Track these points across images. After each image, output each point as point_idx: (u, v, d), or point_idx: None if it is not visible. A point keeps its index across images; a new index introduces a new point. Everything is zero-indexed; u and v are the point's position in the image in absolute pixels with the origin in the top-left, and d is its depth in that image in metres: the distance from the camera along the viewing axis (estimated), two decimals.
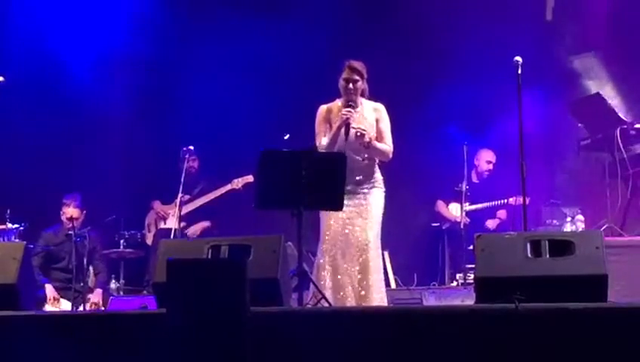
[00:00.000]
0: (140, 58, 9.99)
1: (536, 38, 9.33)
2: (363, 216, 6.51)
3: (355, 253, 6.44)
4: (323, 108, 6.72)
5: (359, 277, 6.40)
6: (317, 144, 6.63)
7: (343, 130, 6.48)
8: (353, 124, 6.49)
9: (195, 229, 9.30)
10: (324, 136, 6.59)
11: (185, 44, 10.19)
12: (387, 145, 6.64)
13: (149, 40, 10.04)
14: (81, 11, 9.87)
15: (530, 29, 9.43)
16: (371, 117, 6.64)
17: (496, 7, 9.51)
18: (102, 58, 9.82)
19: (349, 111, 6.47)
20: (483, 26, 9.42)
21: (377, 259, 6.52)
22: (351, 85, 6.56)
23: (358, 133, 6.48)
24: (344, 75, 6.58)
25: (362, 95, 6.66)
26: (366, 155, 6.58)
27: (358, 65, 6.59)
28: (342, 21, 9.68)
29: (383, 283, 6.58)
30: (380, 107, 6.71)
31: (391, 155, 6.67)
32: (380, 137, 6.63)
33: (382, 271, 6.62)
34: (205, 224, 9.37)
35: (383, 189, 6.66)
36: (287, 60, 9.80)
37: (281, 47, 9.79)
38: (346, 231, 6.48)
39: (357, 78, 6.57)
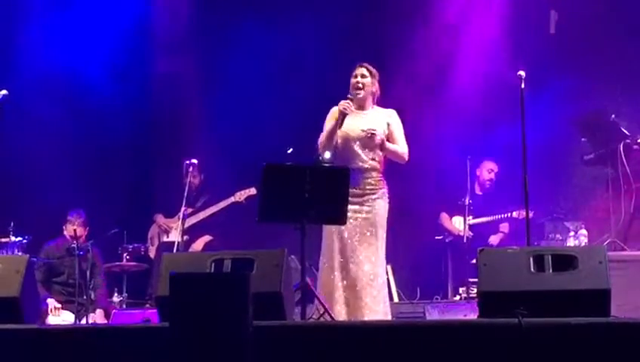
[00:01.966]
0: (144, 72, 10.02)
1: (540, 50, 9.35)
2: (367, 228, 6.51)
3: (359, 267, 6.43)
4: (335, 108, 6.70)
5: (362, 290, 6.40)
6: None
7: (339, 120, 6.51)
8: (363, 126, 6.52)
9: (197, 245, 9.26)
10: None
11: (189, 58, 10.21)
12: (400, 147, 6.65)
13: (154, 54, 10.07)
14: (89, 24, 9.89)
15: (535, 42, 9.46)
16: (383, 121, 6.66)
17: (501, 20, 9.54)
18: (106, 72, 9.84)
19: (347, 102, 6.50)
20: (488, 38, 9.45)
21: (381, 273, 6.50)
22: (359, 78, 6.63)
23: (369, 135, 6.52)
24: (354, 72, 6.67)
25: (372, 97, 6.71)
26: (380, 154, 6.58)
27: (368, 65, 6.69)
28: (347, 38, 9.70)
29: (386, 297, 6.57)
30: (392, 112, 6.75)
31: (407, 157, 6.68)
32: (392, 141, 6.65)
33: (385, 284, 6.61)
34: (207, 238, 9.33)
35: (387, 201, 6.66)
36: (292, 73, 9.81)
37: (284, 61, 9.80)
38: (349, 243, 6.47)
39: (365, 73, 6.64)
